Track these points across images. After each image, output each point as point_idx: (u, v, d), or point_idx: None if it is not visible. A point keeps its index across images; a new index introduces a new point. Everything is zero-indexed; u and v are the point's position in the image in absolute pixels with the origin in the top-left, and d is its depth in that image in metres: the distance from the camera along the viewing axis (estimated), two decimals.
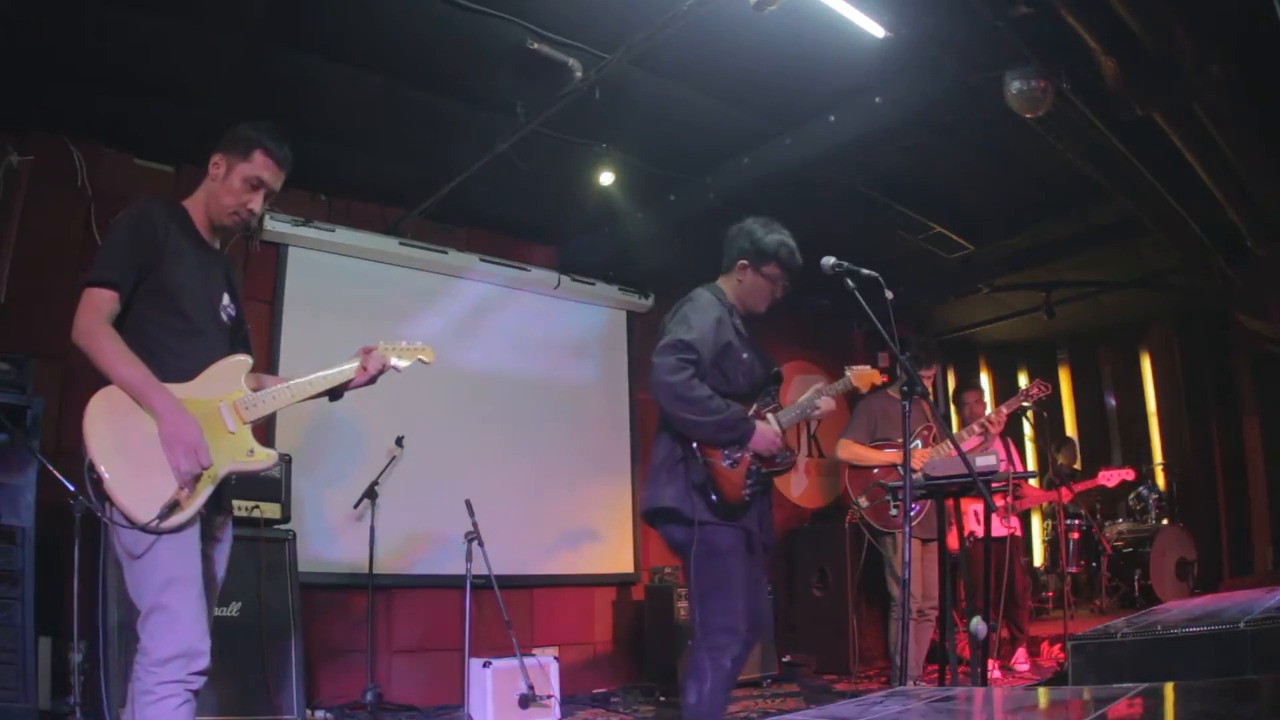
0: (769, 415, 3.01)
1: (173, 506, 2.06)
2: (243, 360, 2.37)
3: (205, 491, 2.14)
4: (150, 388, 2.11)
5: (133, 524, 2.03)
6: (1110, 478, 5.77)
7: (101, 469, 2.04)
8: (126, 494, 2.04)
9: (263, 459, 2.30)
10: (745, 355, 2.97)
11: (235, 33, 3.81)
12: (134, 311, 2.21)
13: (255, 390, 2.38)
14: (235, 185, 2.34)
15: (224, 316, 2.40)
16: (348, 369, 2.49)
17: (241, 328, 2.48)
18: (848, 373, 3.28)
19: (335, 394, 2.52)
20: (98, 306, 2.13)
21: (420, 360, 2.63)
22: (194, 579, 2.10)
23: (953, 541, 4.17)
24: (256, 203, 2.38)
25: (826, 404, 3.12)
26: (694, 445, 2.86)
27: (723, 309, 2.98)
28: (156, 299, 2.22)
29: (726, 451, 2.87)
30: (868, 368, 3.35)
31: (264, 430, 3.96)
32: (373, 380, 2.52)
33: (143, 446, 2.09)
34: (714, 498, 2.82)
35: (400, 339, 2.62)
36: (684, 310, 2.97)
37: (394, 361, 2.55)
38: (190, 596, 2.07)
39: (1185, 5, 3.34)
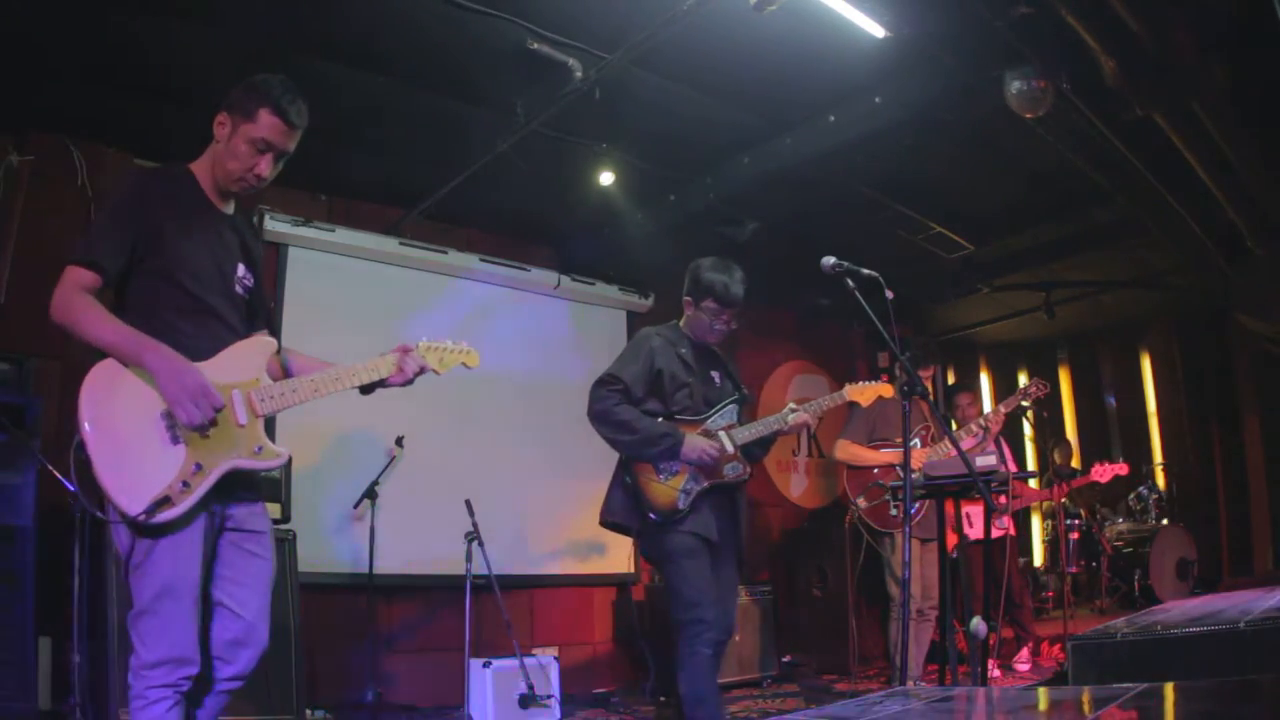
0: (720, 433, 3.21)
1: (163, 501, 1.90)
2: (266, 342, 2.20)
3: (204, 487, 1.97)
4: (140, 344, 1.95)
5: (120, 516, 1.89)
6: (1103, 473, 5.77)
7: (89, 450, 1.88)
8: (114, 480, 1.89)
9: (270, 457, 2.10)
10: (688, 380, 3.24)
11: (236, 33, 3.81)
12: (137, 291, 2.05)
13: (278, 377, 2.19)
14: (240, 148, 2.13)
15: (238, 289, 2.21)
16: (382, 366, 2.28)
17: (261, 299, 2.30)
18: (846, 389, 3.50)
19: (366, 388, 2.31)
20: (75, 282, 1.97)
21: (463, 365, 2.45)
22: (190, 586, 1.96)
23: (950, 542, 4.16)
24: (264, 166, 2.16)
25: (799, 419, 3.30)
26: (628, 461, 3.17)
27: (663, 341, 3.27)
28: (160, 276, 2.05)
29: (662, 465, 3.13)
30: (871, 383, 3.52)
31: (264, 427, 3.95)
32: (409, 382, 2.33)
33: (136, 431, 1.94)
34: (645, 507, 3.10)
35: (445, 338, 2.43)
36: (623, 352, 3.35)
37: (432, 364, 2.37)
38: (184, 606, 1.94)
39: (1185, 5, 3.34)
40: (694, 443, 3.11)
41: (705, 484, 3.14)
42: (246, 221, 2.35)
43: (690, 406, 3.21)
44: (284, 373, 2.28)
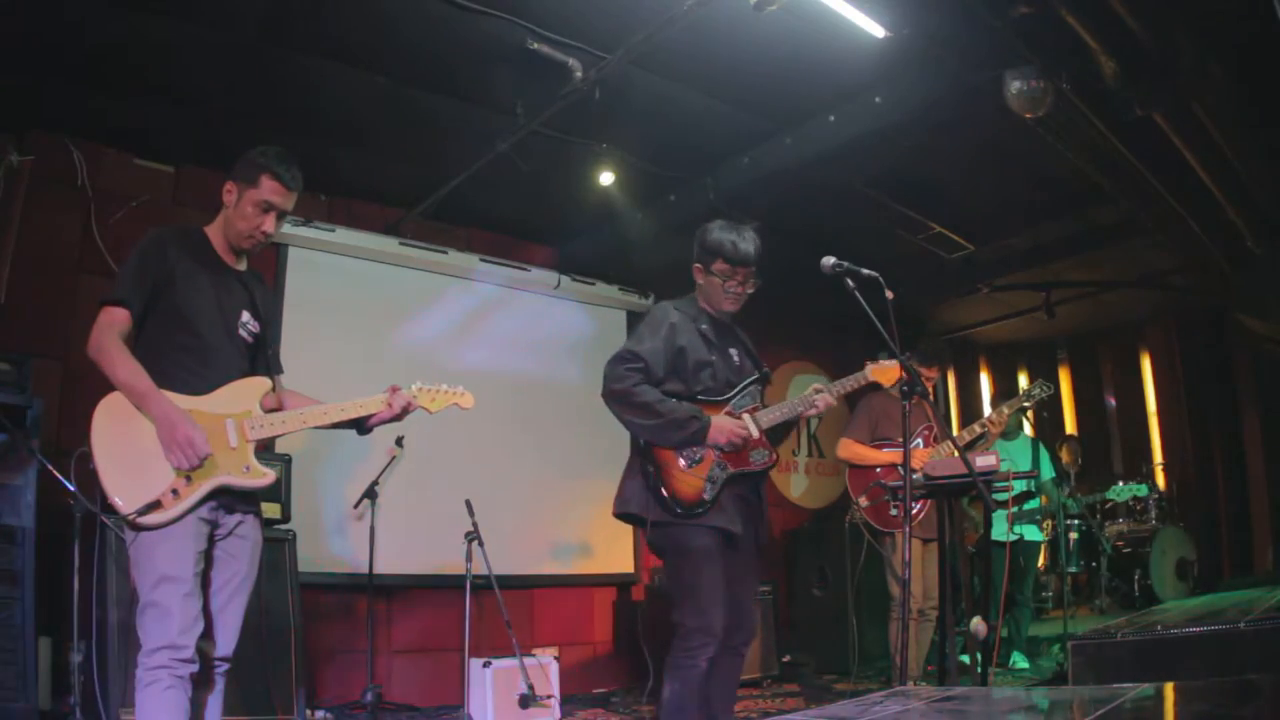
0: (746, 415, 2.97)
1: (153, 505, 2.17)
2: (260, 382, 2.48)
3: (192, 497, 2.23)
4: (148, 394, 2.23)
5: (116, 514, 2.17)
6: None
7: (96, 460, 2.18)
8: (114, 486, 2.18)
9: (258, 477, 2.36)
10: (712, 358, 2.98)
11: (235, 33, 3.81)
12: (149, 331, 2.35)
13: (273, 410, 2.47)
14: (246, 211, 2.43)
15: (243, 333, 2.48)
16: (370, 404, 2.55)
17: (267, 344, 2.57)
18: (868, 366, 3.20)
19: (362, 428, 2.59)
20: (109, 323, 2.29)
21: (457, 406, 2.72)
22: (185, 579, 2.19)
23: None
24: (269, 224, 2.45)
25: (824, 400, 3.04)
26: (648, 448, 2.91)
27: (681, 316, 3.01)
28: (168, 318, 2.35)
29: (686, 452, 2.88)
30: (891, 363, 3.16)
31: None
32: (398, 418, 2.61)
33: (140, 447, 2.22)
34: (667, 498, 2.84)
35: (441, 382, 2.69)
36: (639, 327, 3.09)
37: (425, 404, 2.64)
38: (180, 595, 2.17)
39: (1185, 5, 3.34)
40: (721, 425, 2.88)
41: (731, 471, 2.90)
42: (258, 278, 2.62)
43: (713, 387, 2.96)
44: (280, 408, 2.55)
